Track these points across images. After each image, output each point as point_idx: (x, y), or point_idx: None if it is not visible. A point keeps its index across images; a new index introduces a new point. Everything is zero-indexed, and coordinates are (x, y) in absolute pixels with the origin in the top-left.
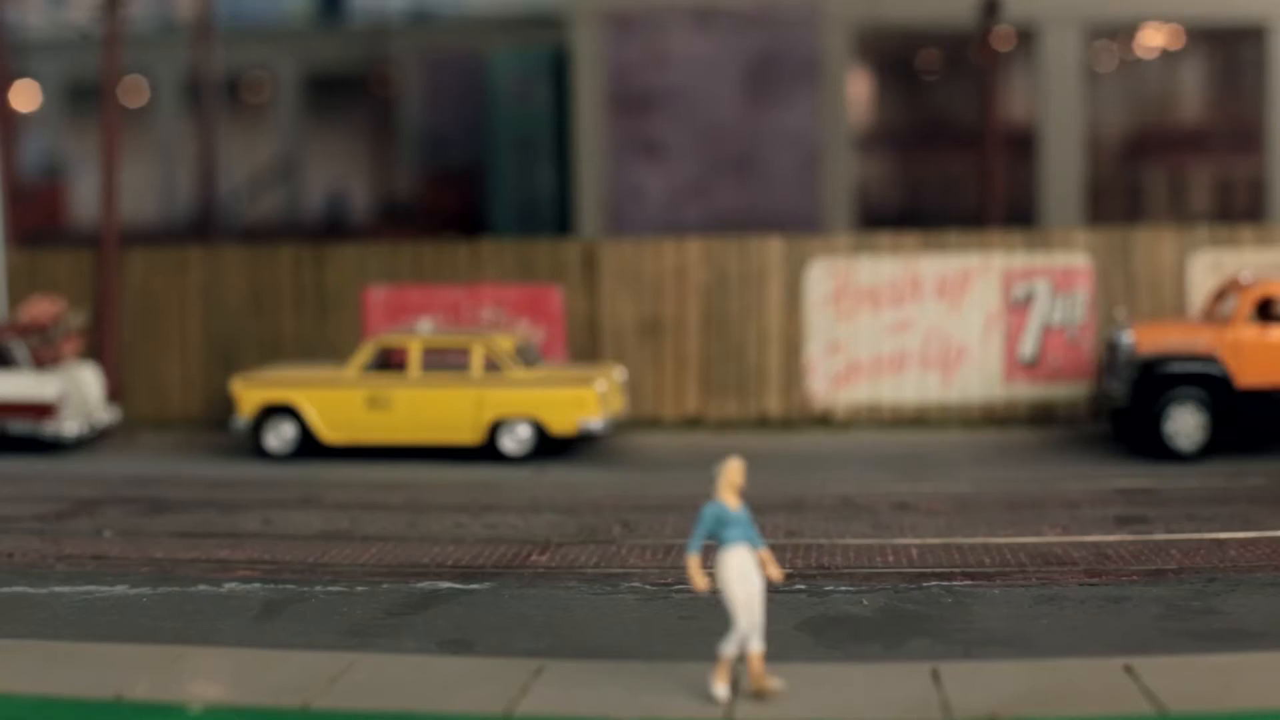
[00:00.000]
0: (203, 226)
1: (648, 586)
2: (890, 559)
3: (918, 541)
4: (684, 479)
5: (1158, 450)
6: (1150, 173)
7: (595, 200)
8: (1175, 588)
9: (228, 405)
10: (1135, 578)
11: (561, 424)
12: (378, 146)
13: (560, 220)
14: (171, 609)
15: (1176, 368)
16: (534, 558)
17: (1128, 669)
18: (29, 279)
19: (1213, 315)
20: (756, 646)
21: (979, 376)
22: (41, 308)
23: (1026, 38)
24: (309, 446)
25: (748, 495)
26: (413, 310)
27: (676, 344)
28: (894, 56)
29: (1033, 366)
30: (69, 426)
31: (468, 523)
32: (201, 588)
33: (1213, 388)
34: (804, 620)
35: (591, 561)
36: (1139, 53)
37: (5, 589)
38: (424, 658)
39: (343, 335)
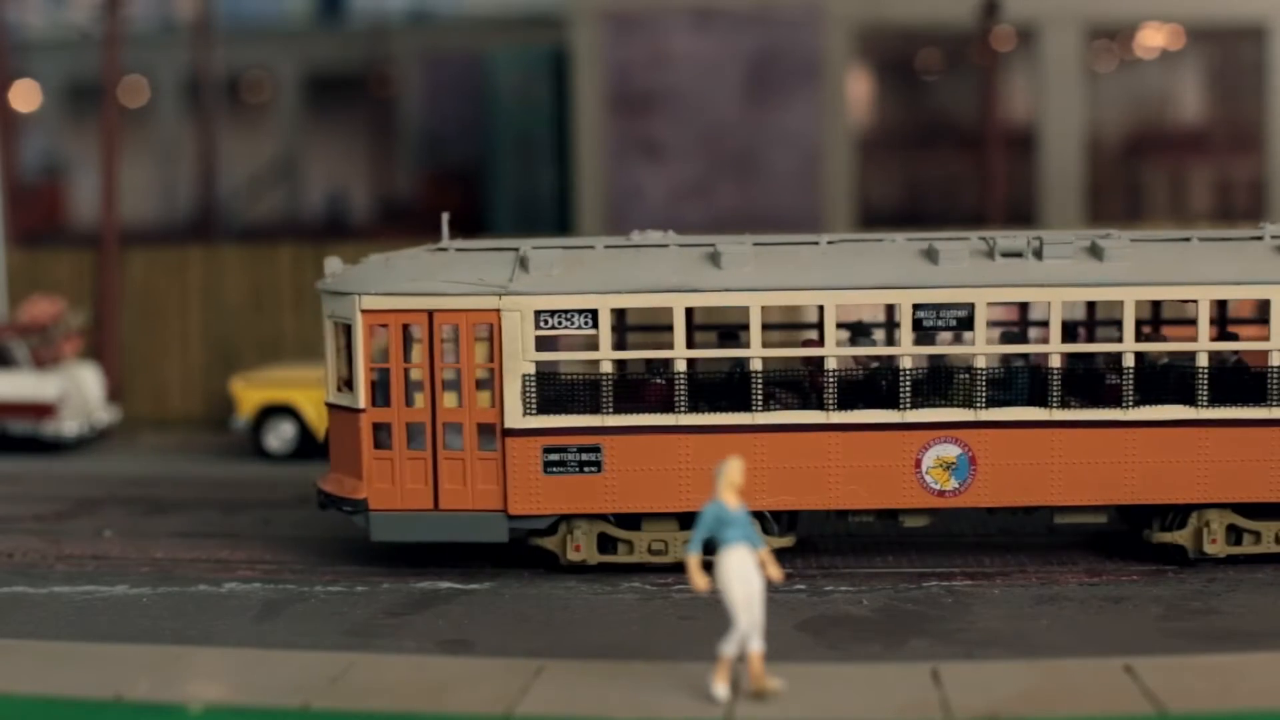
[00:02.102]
0: (203, 226)
1: (648, 586)
2: (890, 559)
3: (918, 541)
4: None
5: None
6: (1150, 173)
7: (595, 200)
8: (1175, 588)
9: (228, 405)
10: (1135, 578)
11: None
12: (378, 146)
13: (560, 220)
14: (171, 609)
15: None
16: (533, 557)
17: (1128, 669)
18: (29, 279)
19: None
20: (756, 646)
21: None
22: (41, 308)
23: (1026, 38)
24: (309, 446)
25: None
26: None
27: None
28: (894, 56)
29: None
30: (69, 426)
31: None
32: (201, 588)
33: None
34: (804, 620)
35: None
36: (1139, 53)
37: (5, 589)
38: (424, 658)
39: None
